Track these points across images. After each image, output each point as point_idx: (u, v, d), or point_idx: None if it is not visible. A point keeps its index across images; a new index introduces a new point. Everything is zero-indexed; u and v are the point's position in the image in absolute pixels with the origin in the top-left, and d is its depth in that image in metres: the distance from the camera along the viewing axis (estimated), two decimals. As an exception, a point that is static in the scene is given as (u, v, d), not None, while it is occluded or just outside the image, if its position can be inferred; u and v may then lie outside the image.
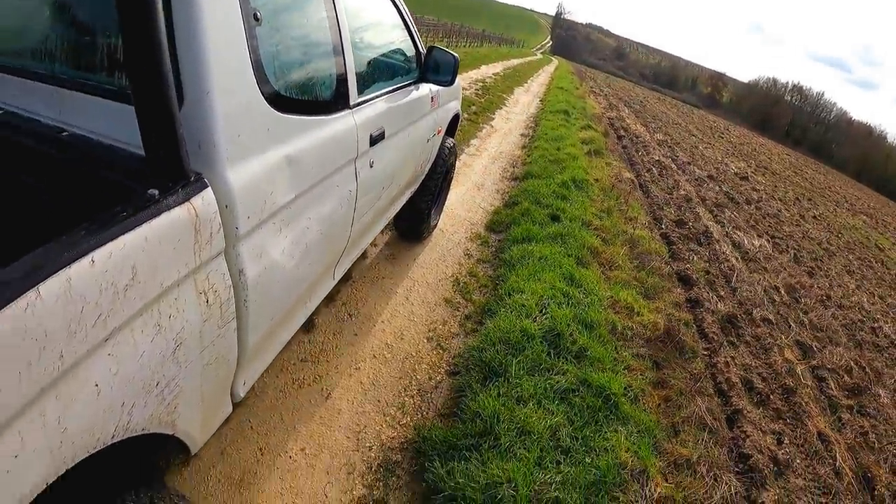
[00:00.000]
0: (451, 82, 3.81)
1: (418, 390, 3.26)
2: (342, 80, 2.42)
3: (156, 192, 1.39)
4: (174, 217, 1.39)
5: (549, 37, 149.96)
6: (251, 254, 1.75)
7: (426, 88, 3.70)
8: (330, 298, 3.77)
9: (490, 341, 3.49)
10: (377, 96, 2.86)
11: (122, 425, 1.28)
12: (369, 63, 2.89)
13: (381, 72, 3.11)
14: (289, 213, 1.98)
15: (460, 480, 2.50)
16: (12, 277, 1.02)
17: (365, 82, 2.71)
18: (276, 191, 1.87)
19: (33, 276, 1.04)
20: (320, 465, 2.67)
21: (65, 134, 1.76)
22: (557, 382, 3.21)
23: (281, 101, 1.92)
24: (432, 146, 4.13)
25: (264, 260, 1.83)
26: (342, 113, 2.41)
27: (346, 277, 4.07)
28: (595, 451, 2.83)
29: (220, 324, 1.64)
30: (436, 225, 5.20)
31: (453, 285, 4.46)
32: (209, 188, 1.53)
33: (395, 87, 3.18)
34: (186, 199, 1.44)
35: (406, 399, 3.18)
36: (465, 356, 3.51)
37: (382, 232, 4.69)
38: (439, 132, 4.23)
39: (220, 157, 1.60)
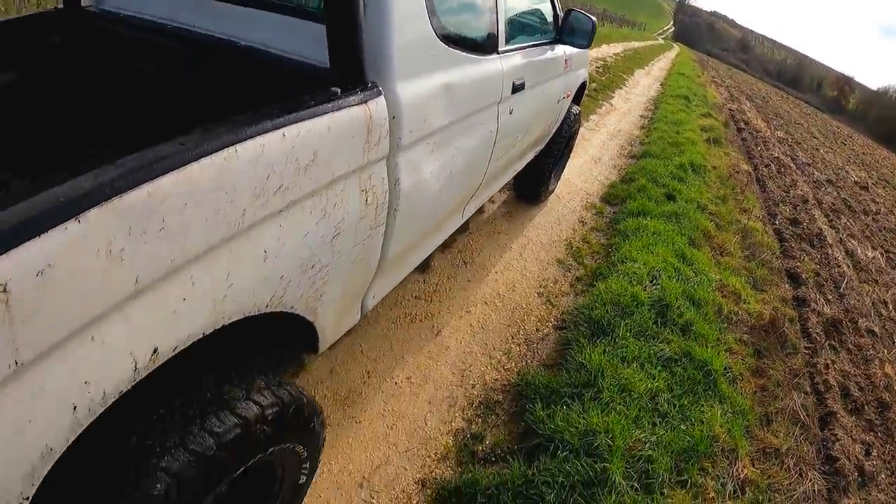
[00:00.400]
0: (587, 45, 3.91)
1: (525, 340, 3.35)
2: (493, 26, 2.56)
3: (338, 90, 1.50)
4: (353, 115, 1.51)
5: (671, 22, 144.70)
6: (407, 166, 1.87)
7: (561, 50, 3.73)
8: (446, 245, 3.90)
9: (601, 301, 3.55)
10: (520, 48, 2.96)
11: (276, 297, 1.41)
12: (514, 16, 2.99)
13: (524, 27, 3.22)
14: (441, 138, 2.09)
15: (560, 424, 2.58)
16: (217, 134, 1.14)
17: (511, 33, 2.82)
18: (434, 114, 1.98)
19: (234, 135, 1.17)
20: (423, 395, 2.80)
21: (242, 44, 1.94)
22: (661, 350, 3.23)
23: (445, 35, 2.05)
24: (561, 108, 4.18)
25: (416, 175, 1.94)
26: (492, 56, 2.53)
27: (464, 228, 4.19)
28: (690, 420, 2.84)
29: (372, 225, 1.76)
30: (553, 190, 5.28)
31: (566, 248, 4.53)
32: (383, 96, 1.64)
33: (534, 43, 3.27)
34: (363, 101, 1.56)
35: (512, 346, 3.27)
36: (575, 313, 3.57)
37: (501, 191, 4.79)
38: (568, 96, 4.28)
39: (393, 71, 1.72)
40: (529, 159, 4.14)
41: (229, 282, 1.22)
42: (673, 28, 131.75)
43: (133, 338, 1.02)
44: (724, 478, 2.69)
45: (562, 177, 5.48)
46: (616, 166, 6.97)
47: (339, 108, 1.46)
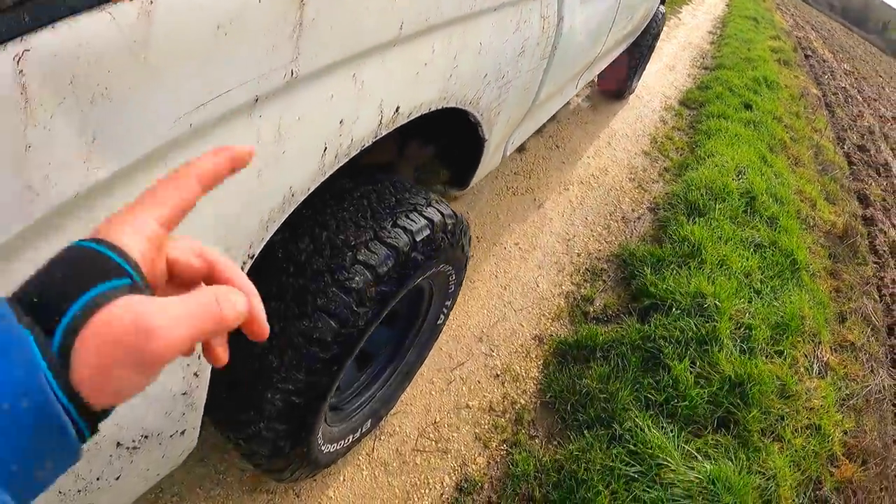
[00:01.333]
0: None
1: (622, 217, 3.49)
2: None
3: None
4: None
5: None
6: (569, 7, 1.96)
7: None
8: (537, 131, 3.99)
9: (694, 186, 3.66)
10: None
11: (476, 97, 1.53)
12: None
13: None
14: None
15: (672, 285, 2.74)
16: None
17: None
18: None
19: None
20: (532, 260, 2.96)
21: None
22: (751, 236, 3.36)
23: None
24: (651, 4, 4.16)
25: (571, 19, 2.03)
26: None
27: (553, 118, 4.25)
28: (781, 301, 2.99)
29: (542, 55, 1.87)
30: (634, 89, 5.31)
31: (651, 142, 4.61)
32: None
33: None
34: None
35: (611, 222, 3.41)
36: (669, 196, 3.71)
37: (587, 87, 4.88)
38: None
39: None
40: (623, 49, 4.10)
41: (455, 63, 1.33)
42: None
43: (385, 87, 1.09)
44: (810, 357, 2.86)
45: (642, 79, 5.51)
46: (690, 75, 6.98)
47: None
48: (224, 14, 0.67)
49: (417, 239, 1.39)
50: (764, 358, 2.59)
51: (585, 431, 2.12)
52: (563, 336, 2.57)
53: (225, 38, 0.68)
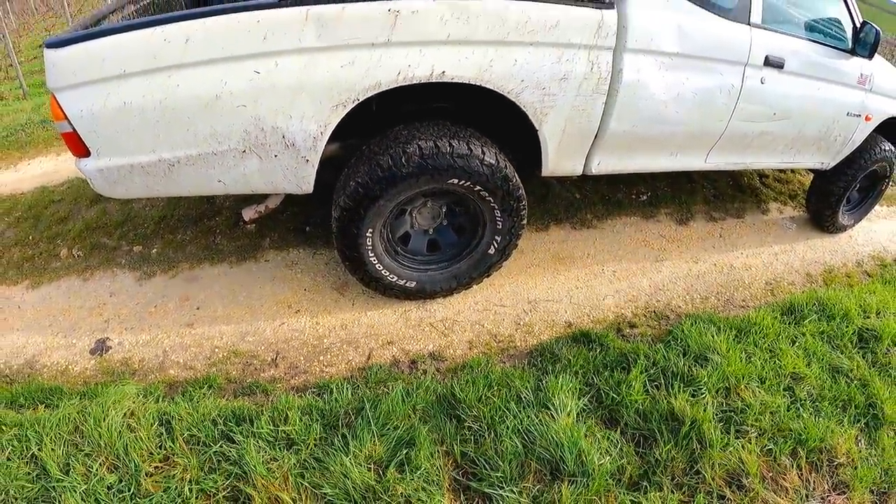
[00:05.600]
0: (869, 56, 4.02)
1: (726, 301, 3.95)
2: (747, 3, 3.36)
3: (587, 1, 2.66)
4: (587, 12, 2.76)
5: None
6: (630, 65, 2.96)
7: (856, 62, 4.01)
8: (714, 217, 4.76)
9: (811, 307, 3.79)
10: (785, 33, 3.61)
11: (516, 91, 2.75)
12: (784, 7, 3.76)
13: (797, 19, 3.85)
14: (670, 62, 3.09)
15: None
16: None
17: (773, 16, 3.54)
18: (663, 39, 3.02)
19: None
20: (617, 285, 3.80)
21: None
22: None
23: None
24: (852, 125, 4.27)
25: (639, 75, 3.01)
26: (741, 24, 3.35)
27: (739, 216, 4.85)
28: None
29: (594, 88, 2.93)
30: (847, 227, 5.22)
31: (824, 270, 4.58)
32: (614, 10, 2.83)
33: (812, 39, 3.80)
34: (600, 8, 2.79)
35: (710, 298, 3.93)
36: (780, 305, 4.04)
37: (795, 206, 5.17)
38: (868, 119, 4.34)
39: (627, 0, 2.87)
40: (806, 162, 4.39)
41: (490, 61, 2.62)
42: None
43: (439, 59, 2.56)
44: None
45: (865, 226, 5.36)
46: None
47: (580, 4, 2.73)
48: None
49: (457, 153, 2.78)
50: None
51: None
52: (587, 328, 3.33)
53: None
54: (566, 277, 3.76)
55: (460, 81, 2.60)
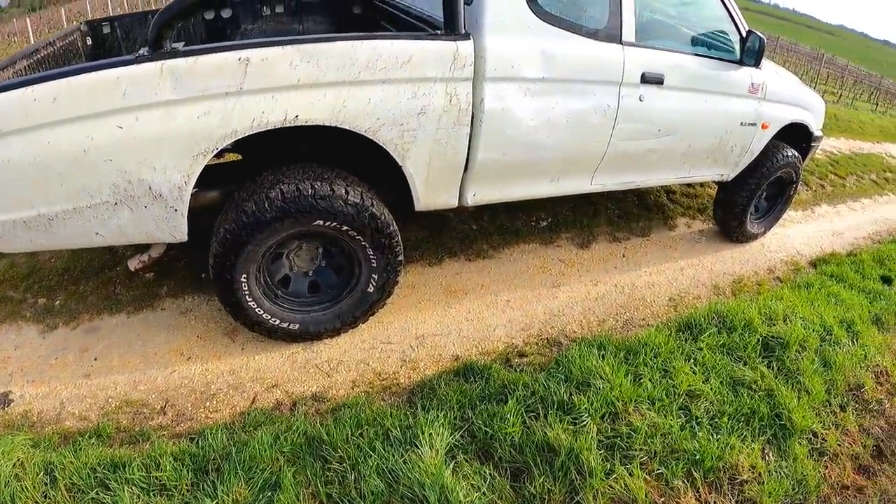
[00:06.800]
0: (755, 65, 4.07)
1: (625, 321, 3.96)
2: (617, 22, 3.36)
3: (440, 32, 2.69)
4: (442, 45, 2.78)
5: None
6: (492, 94, 2.97)
7: (745, 72, 4.07)
8: (617, 238, 4.78)
9: (723, 314, 3.86)
10: (665, 49, 3.64)
11: (373, 129, 2.76)
12: (658, 21, 3.80)
13: (680, 34, 3.92)
14: (536, 88, 3.11)
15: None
16: (365, 36, 2.63)
17: (647, 33, 3.56)
18: (525, 65, 3.04)
19: (369, 38, 2.62)
20: (509, 315, 3.81)
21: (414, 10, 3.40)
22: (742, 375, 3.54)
23: (544, 15, 3.08)
24: (748, 135, 4.32)
25: (503, 103, 3.02)
26: (612, 44, 3.36)
27: (644, 234, 4.88)
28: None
29: (455, 120, 2.93)
30: (757, 235, 5.32)
31: (733, 281, 4.69)
32: (470, 40, 2.84)
33: (696, 53, 3.85)
34: (454, 40, 2.81)
35: (609, 320, 4.03)
36: (685, 319, 3.87)
37: (704, 220, 5.23)
38: (765, 127, 4.40)
39: (482, 30, 2.89)
40: (705, 175, 4.43)
41: (343, 102, 2.63)
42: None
43: (293, 103, 2.57)
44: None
45: (779, 232, 5.46)
46: (852, 244, 6.21)
47: (435, 39, 2.76)
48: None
49: (319, 194, 2.78)
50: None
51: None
52: (473, 361, 3.28)
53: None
54: (457, 310, 3.76)
55: (315, 124, 2.62)
